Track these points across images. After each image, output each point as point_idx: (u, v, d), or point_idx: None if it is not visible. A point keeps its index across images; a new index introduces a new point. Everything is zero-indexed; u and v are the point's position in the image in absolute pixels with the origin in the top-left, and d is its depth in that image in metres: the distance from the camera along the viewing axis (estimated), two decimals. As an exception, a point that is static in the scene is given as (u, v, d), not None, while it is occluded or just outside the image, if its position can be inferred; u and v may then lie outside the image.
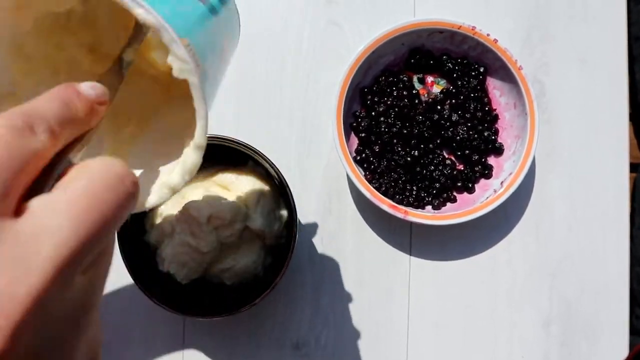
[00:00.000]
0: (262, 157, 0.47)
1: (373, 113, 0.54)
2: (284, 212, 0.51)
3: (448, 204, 0.54)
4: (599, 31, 0.58)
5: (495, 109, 0.55)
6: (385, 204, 0.50)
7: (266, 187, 0.50)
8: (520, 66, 0.51)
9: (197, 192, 0.48)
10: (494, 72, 0.54)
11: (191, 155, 0.26)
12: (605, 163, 0.57)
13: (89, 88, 0.23)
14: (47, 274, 0.17)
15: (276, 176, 0.47)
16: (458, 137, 0.54)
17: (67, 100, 0.21)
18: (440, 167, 0.54)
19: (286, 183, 0.47)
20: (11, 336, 0.16)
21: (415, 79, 0.56)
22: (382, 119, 0.54)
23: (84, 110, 0.22)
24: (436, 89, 0.56)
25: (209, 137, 0.47)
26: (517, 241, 0.56)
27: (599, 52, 0.58)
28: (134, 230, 0.49)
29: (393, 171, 0.54)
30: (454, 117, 0.54)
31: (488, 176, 0.54)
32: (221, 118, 0.57)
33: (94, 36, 0.31)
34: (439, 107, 0.55)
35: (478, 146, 0.54)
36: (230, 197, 0.48)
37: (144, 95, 0.33)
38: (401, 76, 0.55)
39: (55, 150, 0.20)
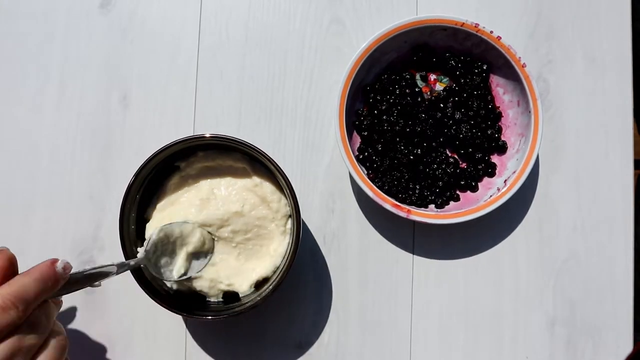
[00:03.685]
0: (265, 157, 0.46)
1: (375, 111, 0.54)
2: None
3: (451, 202, 0.54)
4: (603, 27, 0.58)
5: (498, 107, 0.55)
6: (388, 203, 0.50)
7: (269, 186, 0.50)
8: (524, 63, 0.51)
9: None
10: (498, 70, 0.54)
11: None
12: (610, 160, 0.57)
13: (61, 267, 0.37)
14: None
15: (279, 175, 0.47)
16: (461, 135, 0.54)
17: (46, 278, 0.36)
18: (443, 166, 0.54)
19: (289, 182, 0.46)
20: None
21: (417, 76, 0.56)
22: (384, 117, 0.54)
23: (53, 286, 0.37)
24: (439, 87, 0.56)
25: (210, 136, 0.47)
26: (521, 240, 0.56)
27: (604, 49, 0.58)
28: (138, 233, 0.49)
29: (396, 170, 0.54)
30: (457, 115, 0.54)
31: (491, 174, 0.54)
32: (223, 117, 0.57)
33: None
34: (441, 105, 0.54)
35: (481, 144, 0.54)
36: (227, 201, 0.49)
37: None
38: (404, 74, 0.55)
39: (27, 314, 0.35)
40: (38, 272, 0.36)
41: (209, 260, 0.49)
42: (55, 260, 0.37)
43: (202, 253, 0.49)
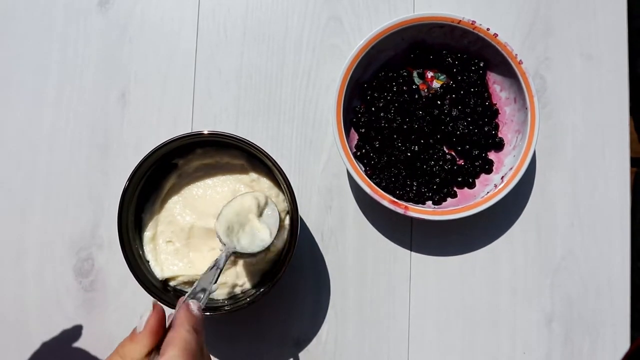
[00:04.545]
0: (263, 153, 0.47)
1: (373, 108, 0.54)
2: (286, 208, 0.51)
3: (448, 199, 0.54)
4: (600, 25, 0.58)
5: (495, 104, 0.55)
6: (386, 200, 0.50)
7: (266, 182, 0.50)
8: (521, 60, 0.51)
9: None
10: (494, 67, 0.54)
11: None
12: (607, 158, 0.57)
13: (195, 307, 0.38)
14: None
15: (276, 172, 0.47)
16: (458, 132, 0.54)
17: (196, 324, 0.37)
18: (440, 162, 0.54)
19: (287, 178, 0.47)
20: None
21: (415, 74, 0.56)
22: (382, 114, 0.54)
23: (202, 326, 0.37)
24: (436, 84, 0.56)
25: (208, 132, 0.47)
26: (518, 237, 0.56)
27: (601, 46, 0.58)
28: (136, 230, 0.49)
29: (393, 166, 0.54)
30: (454, 112, 0.54)
31: (488, 171, 0.54)
32: (221, 115, 0.57)
33: None
34: (439, 102, 0.55)
35: (478, 141, 0.54)
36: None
37: None
38: (401, 71, 0.55)
39: None
40: (186, 321, 0.35)
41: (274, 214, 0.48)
42: (187, 304, 0.37)
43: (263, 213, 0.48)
